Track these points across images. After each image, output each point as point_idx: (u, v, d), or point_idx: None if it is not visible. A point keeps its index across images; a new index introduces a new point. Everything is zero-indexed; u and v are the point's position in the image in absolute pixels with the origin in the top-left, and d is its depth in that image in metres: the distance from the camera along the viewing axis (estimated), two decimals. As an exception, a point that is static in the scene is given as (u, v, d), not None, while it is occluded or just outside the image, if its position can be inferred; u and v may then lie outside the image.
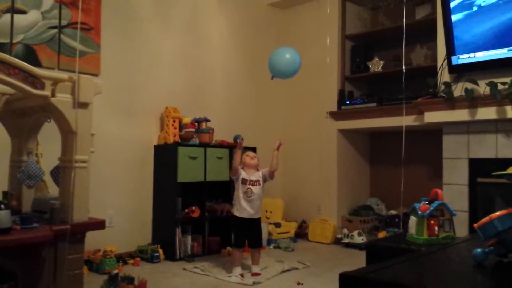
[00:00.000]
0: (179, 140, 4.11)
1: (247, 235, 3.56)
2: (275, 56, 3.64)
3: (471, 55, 3.69)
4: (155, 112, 4.25)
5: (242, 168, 3.57)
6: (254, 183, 3.52)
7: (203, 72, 4.70)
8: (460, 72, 3.76)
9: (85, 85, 2.26)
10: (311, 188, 5.12)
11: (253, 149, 4.46)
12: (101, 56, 3.84)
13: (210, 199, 4.32)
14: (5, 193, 2.57)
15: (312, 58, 5.15)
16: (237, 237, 3.58)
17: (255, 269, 3.51)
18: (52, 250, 2.16)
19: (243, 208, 3.49)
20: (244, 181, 3.52)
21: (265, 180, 3.59)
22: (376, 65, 4.78)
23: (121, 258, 3.73)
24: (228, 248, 4.20)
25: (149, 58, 4.23)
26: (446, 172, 3.89)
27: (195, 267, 3.66)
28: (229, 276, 3.37)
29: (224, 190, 4.37)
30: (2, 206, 2.03)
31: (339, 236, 4.74)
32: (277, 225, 4.78)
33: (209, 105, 4.69)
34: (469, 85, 3.62)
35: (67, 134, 2.26)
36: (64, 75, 2.27)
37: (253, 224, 3.54)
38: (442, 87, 3.81)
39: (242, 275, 3.40)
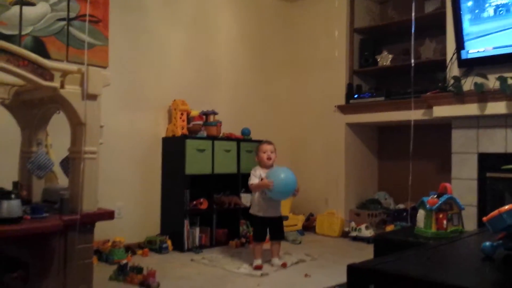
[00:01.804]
0: (187, 133, 4.13)
1: (267, 229, 3.56)
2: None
3: (481, 49, 3.65)
4: (163, 105, 4.26)
5: (260, 164, 3.57)
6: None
7: (211, 65, 4.70)
8: (470, 66, 3.73)
9: (93, 77, 2.27)
10: (318, 182, 5.12)
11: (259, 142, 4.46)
12: (109, 48, 3.85)
13: (218, 192, 4.34)
14: (15, 183, 2.60)
15: (320, 52, 5.14)
16: (257, 231, 3.55)
17: (278, 261, 3.51)
18: (62, 240, 2.18)
19: (262, 207, 3.48)
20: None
21: None
22: (385, 59, 4.76)
23: (130, 249, 3.76)
24: (236, 240, 4.22)
25: (157, 51, 4.24)
26: (455, 167, 3.87)
27: (203, 258, 3.69)
28: (238, 268, 3.39)
29: (232, 182, 4.39)
30: (13, 196, 2.05)
31: (346, 229, 4.74)
32: (285, 218, 4.76)
33: (217, 98, 4.70)
34: (479, 80, 3.60)
35: (76, 125, 2.28)
36: (73, 67, 2.28)
37: (274, 222, 3.55)
38: (451, 81, 3.78)
39: (259, 267, 3.38)
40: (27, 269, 2.29)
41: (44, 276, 2.13)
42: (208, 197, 4.15)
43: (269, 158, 3.53)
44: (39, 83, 2.14)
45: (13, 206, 2.02)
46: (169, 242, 3.94)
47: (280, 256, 3.61)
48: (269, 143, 3.64)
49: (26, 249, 2.25)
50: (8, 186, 2.45)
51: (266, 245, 3.65)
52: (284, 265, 3.47)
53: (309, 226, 5.02)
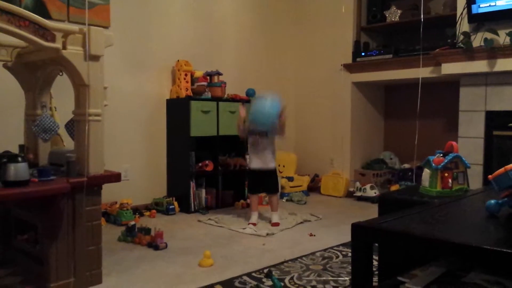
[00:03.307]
0: (191, 94, 4.09)
1: (261, 183, 3.67)
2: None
3: (492, 3, 3.54)
4: (166, 65, 4.21)
5: None
6: (261, 134, 3.54)
7: (215, 25, 4.61)
8: (480, 21, 3.63)
9: (95, 37, 2.23)
10: (324, 142, 5.11)
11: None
12: (111, 7, 3.77)
13: (223, 153, 4.35)
14: (21, 147, 2.61)
15: (327, 8, 5.02)
16: (251, 184, 3.74)
17: (275, 217, 3.60)
18: (70, 202, 2.20)
19: (251, 160, 3.62)
20: (251, 132, 3.58)
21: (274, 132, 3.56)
22: (393, 15, 4.63)
23: (138, 210, 3.82)
24: (242, 201, 4.27)
25: (160, 10, 4.15)
26: (462, 125, 3.84)
27: (210, 219, 3.74)
28: (243, 228, 3.44)
29: (237, 144, 4.38)
30: (19, 159, 2.05)
31: (351, 189, 4.77)
32: (290, 179, 4.82)
33: (221, 58, 4.63)
34: (489, 35, 3.51)
35: (80, 87, 2.26)
36: (74, 27, 2.24)
37: (266, 175, 3.62)
38: (461, 37, 3.69)
39: (254, 224, 3.50)
40: (36, 231, 2.33)
41: (54, 238, 2.17)
42: (214, 159, 4.17)
43: None
44: (41, 44, 2.10)
45: (20, 169, 2.03)
46: (175, 204, 3.99)
47: (277, 211, 3.66)
48: None
49: (34, 212, 2.28)
50: (14, 150, 2.46)
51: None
52: (274, 225, 3.52)
53: (314, 187, 5.06)
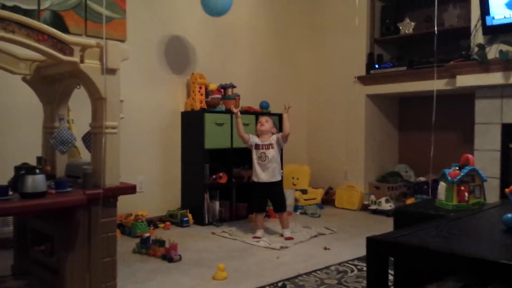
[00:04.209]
0: (206, 107, 4.12)
1: (267, 200, 3.70)
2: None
3: (506, 15, 3.53)
4: (181, 78, 4.26)
5: (257, 134, 3.65)
6: (267, 146, 3.57)
7: (229, 38, 4.66)
8: (495, 33, 3.62)
9: (112, 50, 2.26)
10: (338, 155, 5.09)
11: (279, 116, 4.44)
12: (127, 21, 3.84)
13: (237, 166, 4.36)
14: (39, 159, 2.65)
15: (340, 20, 5.03)
16: (257, 202, 3.69)
17: (287, 233, 3.57)
18: (86, 214, 2.22)
19: (258, 172, 3.59)
20: (257, 146, 3.60)
21: (279, 144, 3.60)
22: (407, 27, 4.63)
23: (152, 222, 3.84)
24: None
25: (175, 23, 4.21)
26: (478, 138, 3.80)
27: (223, 231, 3.74)
28: (257, 241, 3.43)
29: (251, 156, 4.39)
30: (37, 170, 2.09)
31: (366, 202, 4.73)
32: (304, 191, 4.80)
33: (235, 71, 4.67)
34: (504, 47, 3.49)
35: (97, 100, 2.29)
36: (92, 41, 2.28)
37: (273, 188, 3.60)
38: (476, 49, 3.67)
39: (259, 238, 3.49)
40: (52, 243, 2.35)
41: (69, 249, 2.19)
42: (228, 172, 4.18)
43: (262, 125, 3.64)
44: (59, 58, 2.14)
45: (38, 181, 2.06)
46: (190, 216, 4.00)
47: (288, 227, 3.63)
48: (266, 115, 3.82)
49: (51, 223, 2.31)
50: (32, 162, 2.50)
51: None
52: (288, 239, 3.49)
53: (328, 200, 5.03)
